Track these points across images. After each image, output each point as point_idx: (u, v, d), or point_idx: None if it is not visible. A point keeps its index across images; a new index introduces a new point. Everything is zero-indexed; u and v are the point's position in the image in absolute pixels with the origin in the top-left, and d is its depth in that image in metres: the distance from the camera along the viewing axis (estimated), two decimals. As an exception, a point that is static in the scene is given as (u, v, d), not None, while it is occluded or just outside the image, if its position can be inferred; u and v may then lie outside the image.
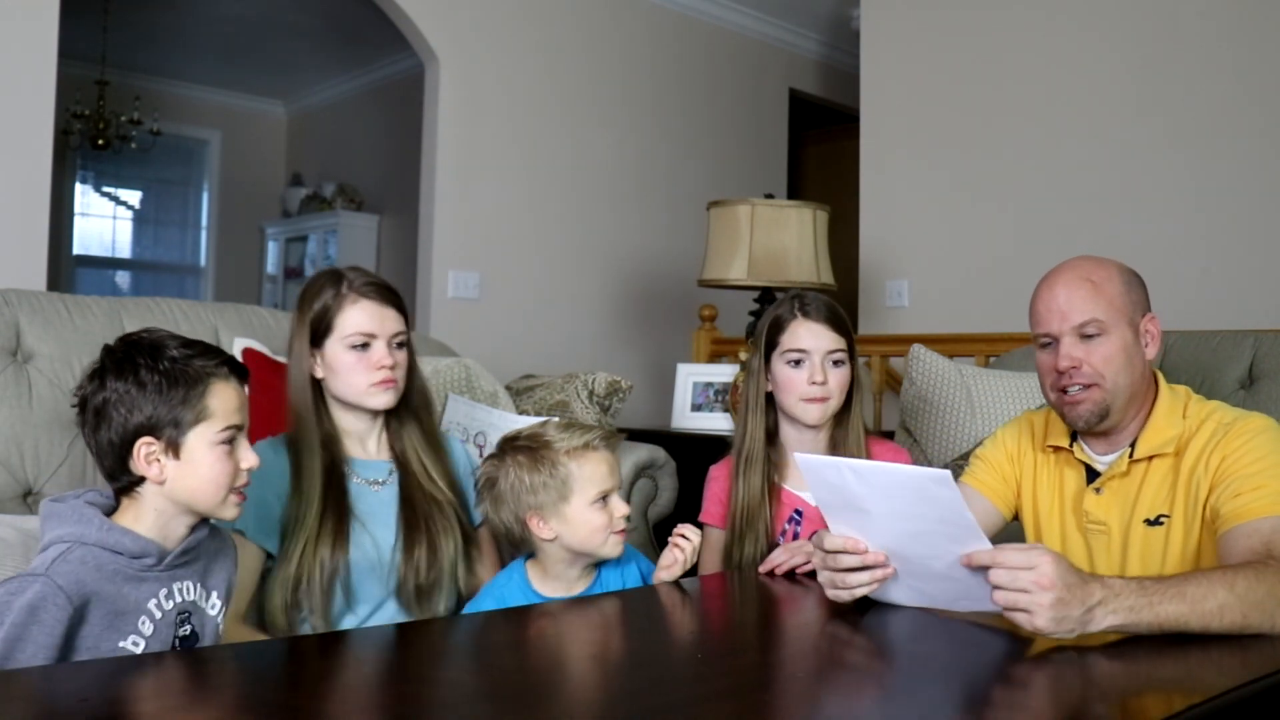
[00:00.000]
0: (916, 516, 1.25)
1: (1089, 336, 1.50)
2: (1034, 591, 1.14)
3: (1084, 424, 1.53)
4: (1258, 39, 3.29)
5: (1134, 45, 3.55)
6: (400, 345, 1.72)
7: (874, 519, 1.30)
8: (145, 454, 1.30)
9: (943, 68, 4.04)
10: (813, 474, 1.35)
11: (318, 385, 1.72)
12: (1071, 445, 1.60)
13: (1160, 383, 1.57)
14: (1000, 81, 3.87)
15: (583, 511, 1.61)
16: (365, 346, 1.68)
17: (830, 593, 1.36)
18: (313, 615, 1.62)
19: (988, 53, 3.92)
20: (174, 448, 1.30)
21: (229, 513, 1.36)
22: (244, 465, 1.35)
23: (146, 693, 1.06)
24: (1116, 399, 1.51)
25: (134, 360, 1.31)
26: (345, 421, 1.74)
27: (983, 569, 1.20)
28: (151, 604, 1.31)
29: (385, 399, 1.70)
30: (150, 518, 1.32)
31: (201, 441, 1.31)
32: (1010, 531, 1.70)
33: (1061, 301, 1.51)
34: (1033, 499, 1.66)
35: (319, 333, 1.69)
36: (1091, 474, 1.58)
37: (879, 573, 1.32)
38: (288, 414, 1.72)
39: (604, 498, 1.62)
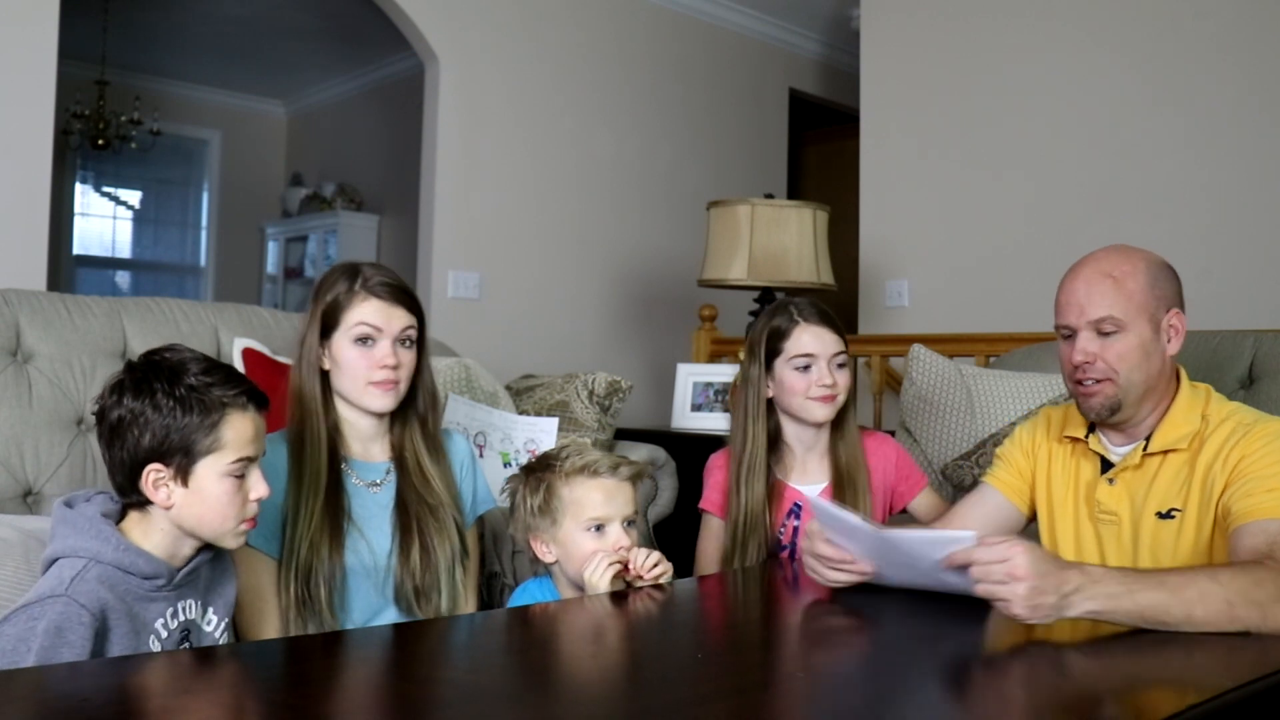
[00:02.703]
0: (925, 568, 1.34)
1: (1105, 333, 1.50)
2: (1009, 582, 1.19)
3: (1095, 415, 1.55)
4: (1260, 39, 3.29)
5: (1136, 46, 3.55)
6: (407, 345, 1.70)
7: (873, 561, 1.40)
8: (154, 479, 1.29)
9: (943, 67, 4.04)
10: (825, 514, 1.42)
11: (326, 379, 1.72)
12: (1087, 437, 1.61)
13: (1182, 379, 1.57)
14: (1000, 81, 3.87)
15: (574, 537, 1.59)
16: (369, 341, 1.66)
17: (810, 573, 1.48)
18: (314, 614, 1.62)
19: (988, 53, 3.92)
20: (183, 475, 1.29)
21: (234, 541, 1.35)
22: (253, 496, 1.34)
23: (147, 692, 1.06)
24: (1129, 394, 1.51)
25: (151, 381, 1.29)
26: (350, 419, 1.73)
27: (965, 566, 1.26)
28: (159, 623, 1.31)
29: (383, 401, 1.68)
30: (158, 536, 1.32)
31: (211, 472, 1.30)
32: (1031, 531, 1.72)
33: (1081, 295, 1.52)
34: (1047, 489, 1.67)
35: (328, 325, 1.68)
36: (1106, 465, 1.59)
37: (860, 577, 1.43)
38: (290, 403, 1.70)
39: (599, 527, 1.59)
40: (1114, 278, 1.51)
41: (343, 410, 1.73)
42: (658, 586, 1.57)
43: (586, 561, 1.56)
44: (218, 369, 1.33)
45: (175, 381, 1.29)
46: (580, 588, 1.60)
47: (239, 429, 1.31)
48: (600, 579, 1.54)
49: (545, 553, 1.64)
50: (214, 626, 1.41)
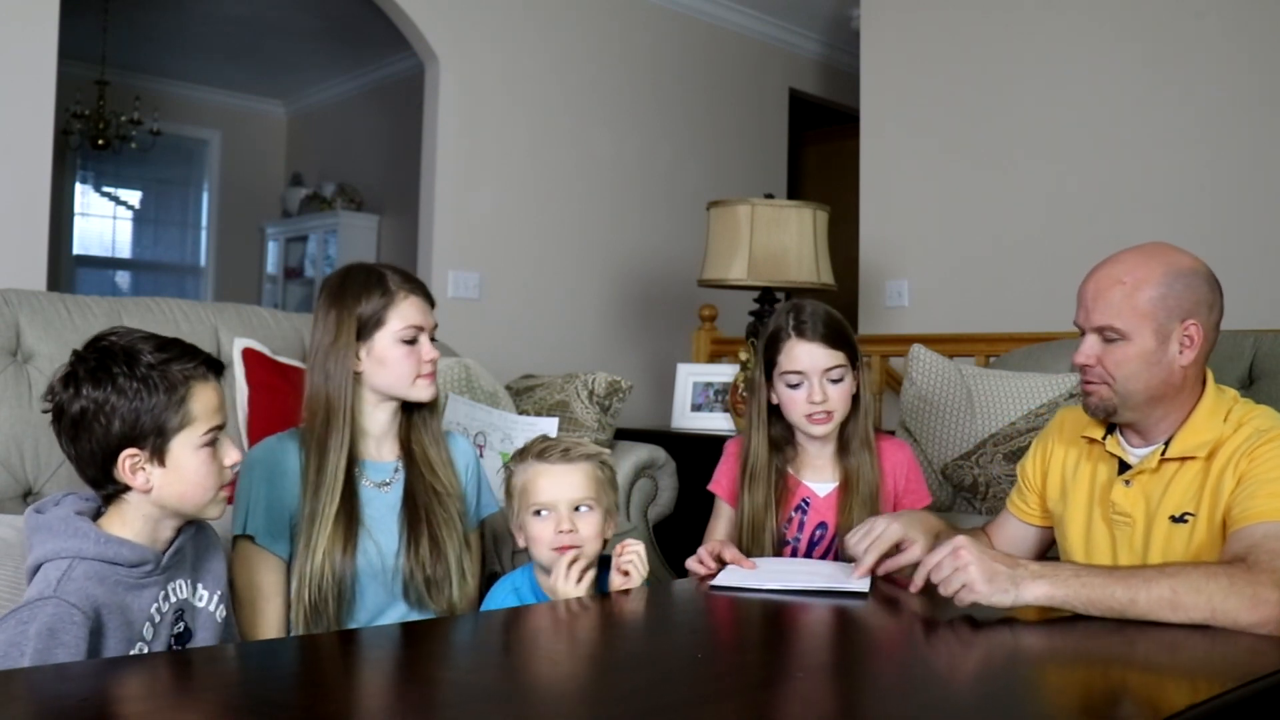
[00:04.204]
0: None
1: (1108, 339, 1.50)
2: (960, 569, 1.32)
3: (1091, 414, 1.57)
4: (1262, 37, 3.29)
5: (1136, 45, 3.55)
6: (433, 338, 1.78)
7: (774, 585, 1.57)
8: (130, 464, 1.27)
9: (943, 67, 4.04)
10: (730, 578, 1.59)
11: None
12: (1105, 439, 1.60)
13: (1208, 384, 1.54)
14: (1000, 82, 3.87)
15: (526, 520, 1.64)
16: (413, 341, 1.72)
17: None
18: (320, 622, 1.62)
19: (988, 53, 3.92)
20: (159, 455, 1.28)
21: (216, 511, 1.35)
22: (228, 463, 1.34)
23: (146, 692, 1.05)
24: (1127, 401, 1.51)
25: (109, 368, 1.26)
26: (368, 420, 1.75)
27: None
28: (153, 608, 1.31)
29: (431, 390, 1.75)
30: (139, 523, 1.30)
31: (186, 447, 1.29)
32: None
33: (1089, 298, 1.52)
34: (1061, 488, 1.67)
35: (366, 328, 1.71)
36: (1124, 467, 1.58)
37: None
38: (309, 408, 1.70)
39: (545, 511, 1.61)
40: (1124, 284, 1.49)
41: (366, 409, 1.75)
42: (653, 592, 1.59)
43: (536, 549, 1.62)
44: (170, 344, 1.31)
45: (133, 364, 1.27)
46: (546, 572, 1.64)
47: (205, 400, 1.31)
48: (572, 586, 1.57)
49: (519, 538, 1.68)
50: (206, 602, 1.40)
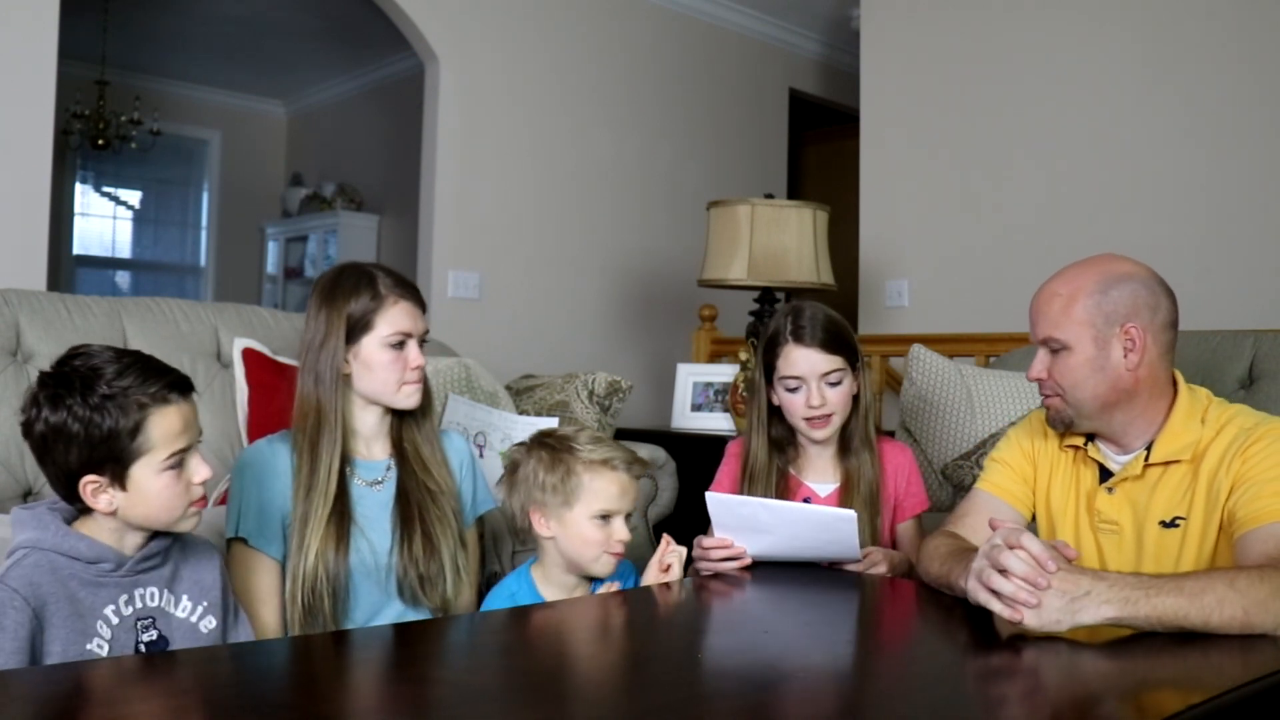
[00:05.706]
0: (810, 538, 1.61)
1: (1054, 350, 1.53)
2: (1036, 591, 1.19)
3: (1052, 427, 1.59)
4: (1263, 37, 3.29)
5: (1137, 44, 3.55)
6: (423, 343, 1.75)
7: (769, 538, 1.62)
8: (91, 489, 1.26)
9: (943, 67, 4.04)
10: (721, 507, 1.65)
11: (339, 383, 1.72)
12: (1086, 444, 1.60)
13: (1180, 386, 1.55)
14: (1001, 82, 3.87)
15: (581, 523, 1.65)
16: (401, 346, 1.70)
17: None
18: (316, 622, 1.62)
19: (988, 53, 3.92)
20: (119, 481, 1.26)
21: (187, 525, 1.34)
22: (196, 480, 1.32)
23: (144, 693, 1.05)
24: (1080, 410, 1.53)
25: (65, 396, 1.24)
26: (358, 421, 1.74)
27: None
28: (109, 609, 1.29)
29: (414, 399, 1.73)
30: (105, 533, 1.30)
31: (147, 471, 1.27)
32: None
33: (1034, 314, 1.56)
34: (1047, 495, 1.66)
35: (354, 330, 1.69)
36: (1105, 473, 1.57)
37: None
38: (300, 409, 1.70)
39: (606, 517, 1.65)
40: (1062, 295, 1.52)
41: (355, 411, 1.74)
42: (653, 592, 1.60)
43: (585, 548, 1.65)
44: (132, 367, 1.28)
45: (89, 391, 1.24)
46: (572, 565, 1.68)
47: (165, 425, 1.27)
48: (603, 568, 1.67)
49: (544, 527, 1.68)
50: (189, 613, 1.39)
